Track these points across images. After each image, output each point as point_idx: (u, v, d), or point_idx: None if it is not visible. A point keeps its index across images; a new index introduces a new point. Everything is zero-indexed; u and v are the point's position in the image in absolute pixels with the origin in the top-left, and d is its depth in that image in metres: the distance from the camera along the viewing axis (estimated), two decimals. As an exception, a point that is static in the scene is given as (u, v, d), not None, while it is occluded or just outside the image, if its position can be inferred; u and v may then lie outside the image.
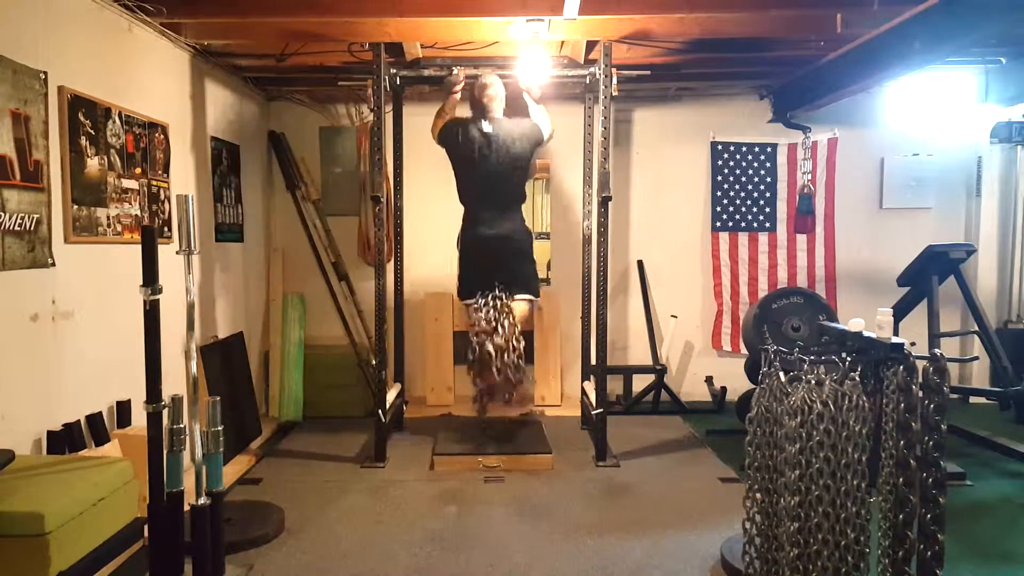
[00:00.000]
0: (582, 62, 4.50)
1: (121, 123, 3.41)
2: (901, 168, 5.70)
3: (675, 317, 5.63)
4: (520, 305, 4.35)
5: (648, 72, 4.49)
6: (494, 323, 4.20)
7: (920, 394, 2.08)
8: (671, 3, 3.59)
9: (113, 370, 3.28)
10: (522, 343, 4.23)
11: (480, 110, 4.39)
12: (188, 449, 2.50)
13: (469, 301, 4.38)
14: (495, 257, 4.36)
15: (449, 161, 4.49)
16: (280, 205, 5.62)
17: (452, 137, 4.40)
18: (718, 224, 5.68)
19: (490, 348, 4.11)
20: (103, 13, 3.31)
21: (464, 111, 4.53)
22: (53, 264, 2.90)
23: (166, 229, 3.84)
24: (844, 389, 2.18)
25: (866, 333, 2.35)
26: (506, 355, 4.13)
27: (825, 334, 2.66)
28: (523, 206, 4.51)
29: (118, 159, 3.37)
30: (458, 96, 4.48)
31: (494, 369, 4.09)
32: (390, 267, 4.99)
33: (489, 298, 4.28)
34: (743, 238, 5.68)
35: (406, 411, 5.20)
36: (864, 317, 2.43)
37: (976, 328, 4.59)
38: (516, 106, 4.61)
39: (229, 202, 4.76)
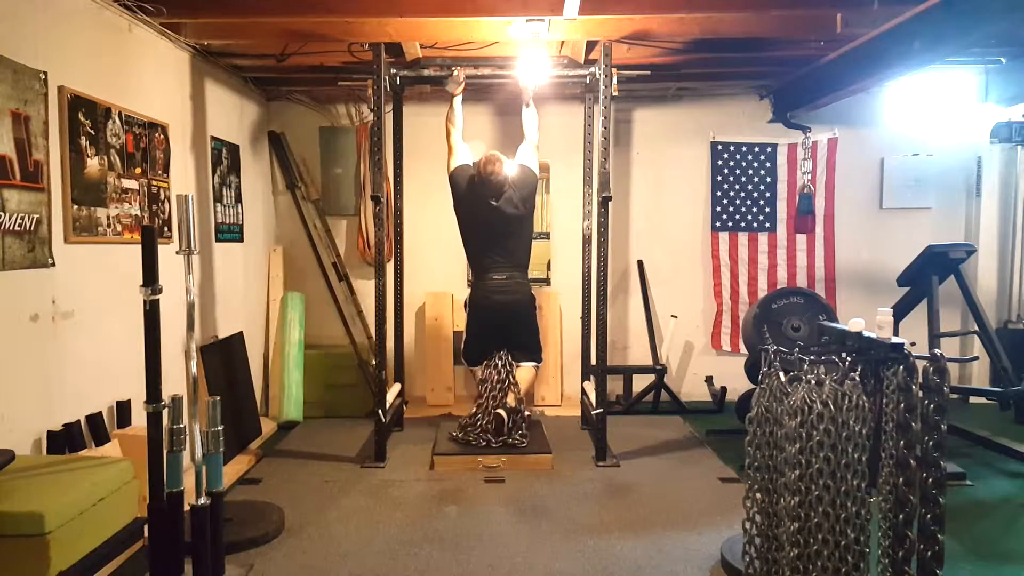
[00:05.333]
0: (582, 62, 4.49)
1: (121, 123, 3.41)
2: (901, 168, 5.69)
3: (675, 317, 5.63)
4: (524, 372, 4.54)
5: (648, 72, 4.49)
6: (503, 383, 4.43)
7: (920, 394, 2.08)
8: (671, 3, 3.59)
9: (113, 370, 3.28)
10: (525, 413, 4.50)
11: (487, 186, 4.31)
12: (188, 449, 2.50)
13: (476, 368, 4.58)
14: (501, 327, 4.49)
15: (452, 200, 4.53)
16: (280, 205, 5.63)
17: (460, 193, 4.43)
18: (718, 224, 5.68)
19: (502, 412, 4.28)
20: (103, 13, 3.31)
21: (468, 158, 4.50)
22: (53, 264, 2.90)
23: (166, 229, 3.84)
24: (844, 389, 2.18)
25: (866, 333, 2.35)
26: (516, 418, 4.36)
27: (825, 334, 2.66)
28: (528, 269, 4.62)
29: (118, 159, 3.37)
30: (460, 98, 4.48)
31: (505, 430, 4.27)
32: (390, 267, 4.99)
33: (496, 361, 4.47)
34: (743, 238, 5.68)
35: (406, 411, 5.20)
36: (864, 317, 2.43)
37: (976, 328, 4.59)
38: (513, 105, 4.61)
39: (229, 202, 4.76)
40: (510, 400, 4.38)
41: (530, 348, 4.60)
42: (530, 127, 4.53)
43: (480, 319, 4.51)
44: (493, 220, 4.37)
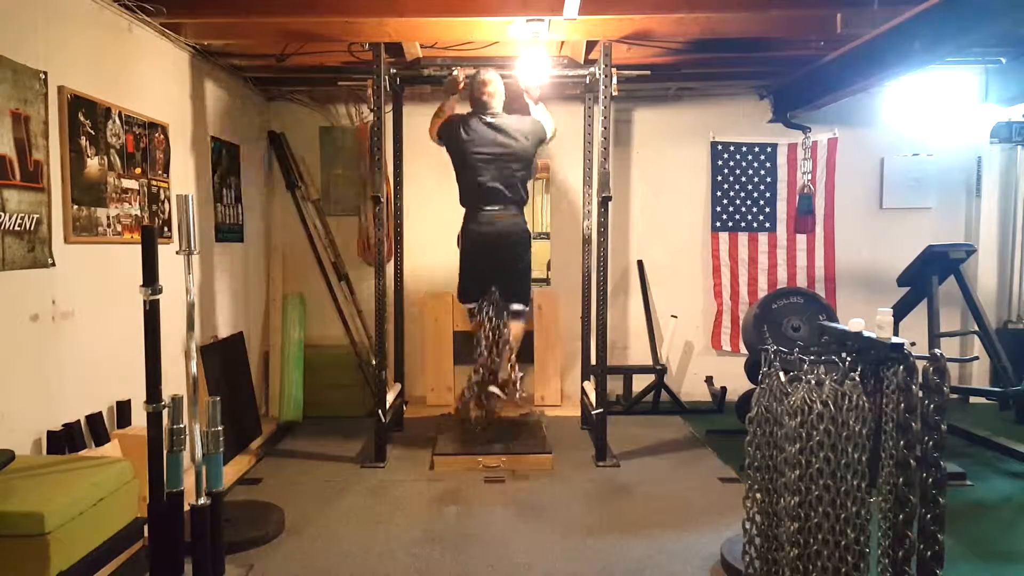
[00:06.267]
0: (582, 62, 4.49)
1: (121, 123, 3.40)
2: (901, 168, 5.69)
3: (675, 317, 5.62)
4: (516, 329, 4.39)
5: (648, 72, 4.49)
6: (491, 336, 4.27)
7: (920, 394, 2.08)
8: (671, 3, 3.59)
9: (113, 370, 3.28)
10: (517, 373, 4.34)
11: (480, 107, 4.35)
12: (188, 449, 2.50)
13: (469, 306, 4.43)
14: (494, 260, 4.31)
15: (449, 158, 4.44)
16: (280, 205, 5.62)
17: (452, 131, 4.35)
18: (718, 224, 5.68)
19: (484, 346, 4.19)
20: (103, 13, 3.31)
21: (464, 108, 4.52)
22: (53, 264, 2.90)
23: (166, 229, 3.84)
24: (844, 389, 2.18)
25: (866, 333, 2.34)
26: (502, 359, 4.22)
27: (825, 334, 2.66)
28: (525, 207, 4.45)
29: (118, 159, 3.37)
30: (457, 98, 4.48)
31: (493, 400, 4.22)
32: (390, 267, 4.99)
33: (486, 308, 4.28)
34: (743, 238, 5.68)
35: (406, 411, 5.20)
36: (864, 317, 2.43)
37: (976, 328, 4.59)
38: (516, 107, 4.61)
39: (229, 202, 4.76)
40: (501, 373, 4.21)
41: (519, 293, 4.38)
42: (545, 122, 4.47)
43: (472, 251, 4.36)
44: (489, 147, 4.25)
